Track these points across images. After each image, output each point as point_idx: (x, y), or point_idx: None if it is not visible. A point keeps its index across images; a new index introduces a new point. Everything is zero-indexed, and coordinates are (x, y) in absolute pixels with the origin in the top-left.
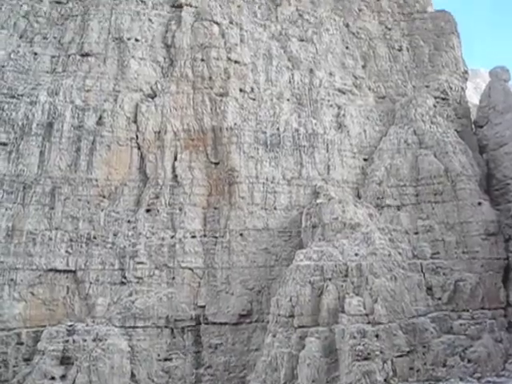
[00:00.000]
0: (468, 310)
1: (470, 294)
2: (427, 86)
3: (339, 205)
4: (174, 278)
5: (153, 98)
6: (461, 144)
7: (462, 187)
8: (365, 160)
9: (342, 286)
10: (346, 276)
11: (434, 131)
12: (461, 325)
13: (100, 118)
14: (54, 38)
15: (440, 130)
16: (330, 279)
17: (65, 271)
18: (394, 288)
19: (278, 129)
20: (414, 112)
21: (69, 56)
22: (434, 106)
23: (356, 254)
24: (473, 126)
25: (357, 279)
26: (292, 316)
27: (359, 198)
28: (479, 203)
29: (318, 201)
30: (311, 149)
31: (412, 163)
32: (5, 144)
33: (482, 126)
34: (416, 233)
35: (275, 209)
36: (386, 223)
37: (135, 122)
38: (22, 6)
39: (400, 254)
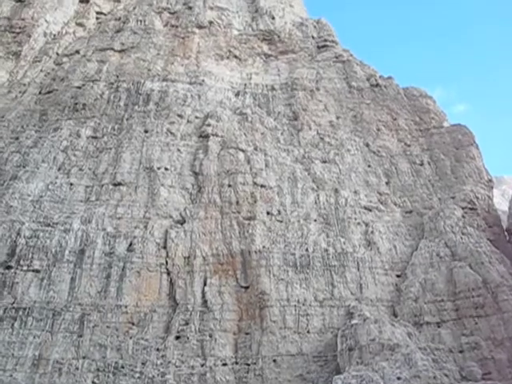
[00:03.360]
0: None
1: None
2: (453, 198)
3: (375, 325)
4: None
5: (182, 223)
6: (496, 253)
7: (505, 298)
8: (398, 276)
9: None
10: None
11: (466, 242)
12: None
13: (130, 244)
14: (89, 169)
15: (472, 240)
16: None
17: None
18: None
19: (306, 250)
20: (443, 224)
21: (102, 186)
22: (463, 217)
23: (398, 378)
24: (505, 233)
25: None
26: None
27: (395, 316)
28: None
29: (353, 322)
30: (342, 268)
31: (447, 276)
32: (37, 271)
33: None
34: (461, 351)
35: (308, 332)
36: (426, 342)
37: (165, 247)
38: (62, 142)
39: (446, 375)
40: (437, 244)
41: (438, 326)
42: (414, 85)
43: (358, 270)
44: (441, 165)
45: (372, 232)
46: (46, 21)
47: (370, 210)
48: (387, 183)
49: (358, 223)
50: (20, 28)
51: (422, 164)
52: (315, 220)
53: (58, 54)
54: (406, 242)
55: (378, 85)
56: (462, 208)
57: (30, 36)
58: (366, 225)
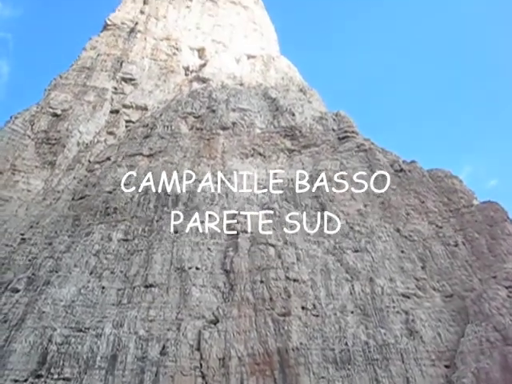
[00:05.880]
0: None
1: None
2: (494, 277)
3: None
4: None
5: (215, 323)
6: None
7: None
8: (446, 367)
9: None
10: None
11: None
12: None
13: (163, 347)
14: (121, 272)
15: None
16: None
17: None
18: None
19: (346, 344)
20: (488, 306)
21: (134, 288)
22: (509, 297)
23: None
24: None
25: None
26: None
27: None
28: None
29: None
30: (385, 361)
31: (502, 363)
32: (68, 379)
33: None
34: None
35: None
36: None
37: (198, 349)
38: (93, 245)
39: None
40: (484, 328)
41: None
42: (442, 167)
43: (403, 362)
44: (476, 244)
45: (413, 320)
46: (79, 131)
47: (409, 297)
48: (423, 268)
49: (398, 312)
50: (55, 139)
51: (456, 245)
52: (352, 312)
53: (90, 161)
54: (450, 328)
55: (402, 170)
56: (506, 287)
57: (64, 146)
58: (406, 313)
